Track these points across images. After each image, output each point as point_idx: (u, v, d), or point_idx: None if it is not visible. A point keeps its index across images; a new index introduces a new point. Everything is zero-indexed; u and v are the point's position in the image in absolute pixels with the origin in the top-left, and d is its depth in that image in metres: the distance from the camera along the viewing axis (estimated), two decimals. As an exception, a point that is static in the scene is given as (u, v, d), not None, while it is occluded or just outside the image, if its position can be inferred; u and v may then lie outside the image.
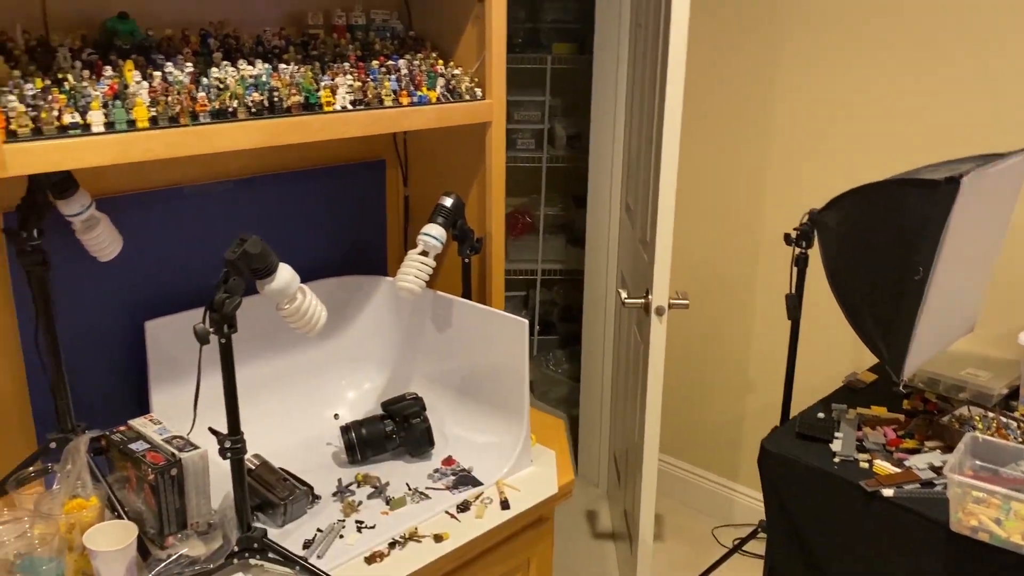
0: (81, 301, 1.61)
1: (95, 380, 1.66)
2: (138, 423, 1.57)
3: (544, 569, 1.75)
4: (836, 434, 1.92)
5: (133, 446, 1.49)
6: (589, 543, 2.96)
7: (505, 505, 1.59)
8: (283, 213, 1.88)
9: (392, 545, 1.47)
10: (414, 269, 1.68)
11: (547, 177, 3.91)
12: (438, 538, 1.49)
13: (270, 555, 1.38)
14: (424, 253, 1.70)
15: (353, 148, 1.99)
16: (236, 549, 1.35)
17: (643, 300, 2.16)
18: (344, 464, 1.75)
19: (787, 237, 2.01)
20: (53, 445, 1.49)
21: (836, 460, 1.84)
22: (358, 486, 1.66)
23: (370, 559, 1.43)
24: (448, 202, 1.73)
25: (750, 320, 2.88)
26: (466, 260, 1.83)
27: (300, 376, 1.93)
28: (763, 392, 2.91)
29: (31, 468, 1.46)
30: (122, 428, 1.56)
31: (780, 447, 1.92)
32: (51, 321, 1.44)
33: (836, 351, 2.69)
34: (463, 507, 1.59)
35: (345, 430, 1.73)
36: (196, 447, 1.48)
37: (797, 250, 2.01)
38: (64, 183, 1.41)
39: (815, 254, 1.97)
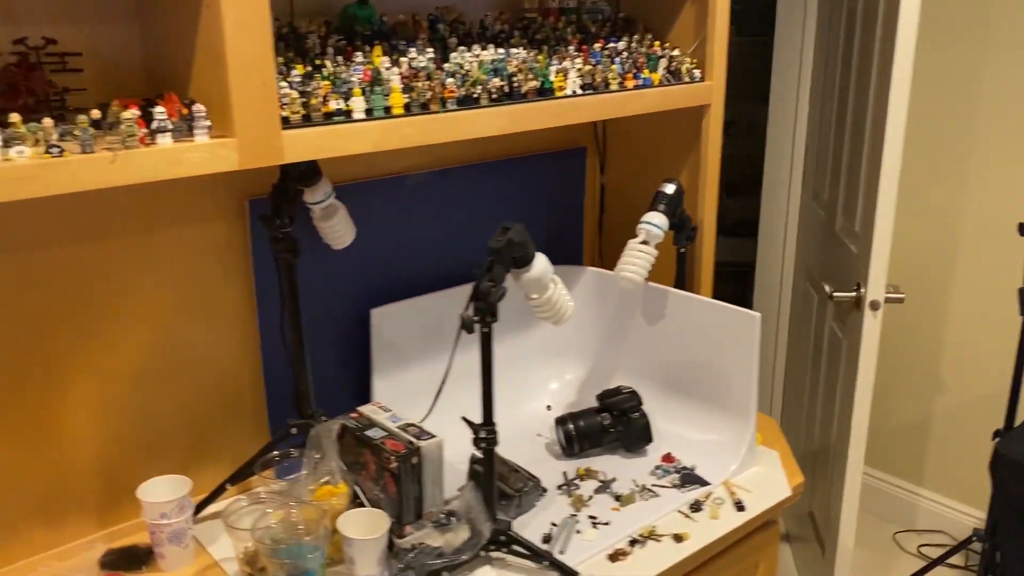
0: (307, 289, 1.62)
1: (317, 367, 1.68)
2: (368, 410, 1.57)
3: (770, 572, 1.68)
4: (1081, 440, 1.77)
5: (370, 433, 1.49)
6: (762, 544, 2.85)
7: (740, 507, 1.52)
8: (487, 203, 1.85)
9: (632, 543, 1.43)
10: (637, 259, 1.63)
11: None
12: (678, 538, 1.44)
13: (514, 547, 1.36)
14: (645, 242, 1.64)
15: (555, 136, 1.95)
16: (498, 540, 1.33)
17: (853, 294, 2.05)
18: (558, 456, 1.72)
19: (1022, 227, 1.86)
20: (294, 431, 1.50)
21: (1086, 469, 1.69)
22: (580, 480, 1.62)
23: (613, 557, 1.39)
24: (670, 189, 1.67)
25: (943, 316, 2.71)
26: (681, 250, 1.77)
27: (504, 366, 1.89)
28: (956, 392, 2.73)
29: (275, 452, 1.48)
30: (354, 415, 1.56)
31: (1017, 452, 1.78)
32: (297, 308, 1.45)
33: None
34: (695, 507, 1.52)
35: (561, 422, 1.70)
36: (432, 435, 1.46)
37: (1035, 240, 1.86)
38: (310, 171, 1.42)
39: None
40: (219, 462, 1.57)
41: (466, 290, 1.80)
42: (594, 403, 1.76)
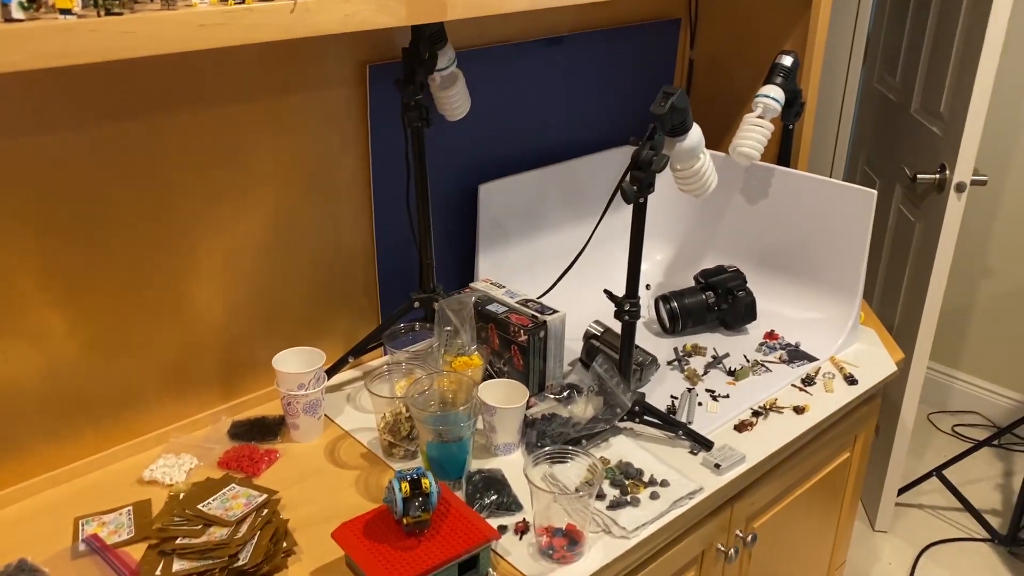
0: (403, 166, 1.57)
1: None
2: (481, 286, 1.56)
3: (866, 445, 1.73)
4: None
5: (491, 308, 1.48)
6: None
7: (851, 380, 1.55)
8: (581, 75, 1.79)
9: (755, 414, 1.45)
10: (755, 133, 1.59)
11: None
12: (799, 410, 1.47)
13: (646, 418, 1.38)
14: (761, 116, 1.61)
15: (649, 6, 1.87)
16: (628, 411, 1.34)
17: (936, 176, 2.04)
18: (658, 334, 1.73)
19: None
20: (417, 305, 1.49)
21: None
22: (689, 356, 1.63)
23: (739, 427, 1.42)
24: (787, 61, 1.62)
25: (994, 202, 2.72)
26: (789, 126, 1.73)
27: (590, 246, 1.88)
28: (1002, 279, 2.78)
29: (401, 325, 1.47)
30: (466, 290, 1.55)
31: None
32: (425, 178, 1.41)
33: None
34: (807, 381, 1.55)
35: (665, 300, 1.70)
36: (554, 310, 1.46)
37: None
38: (439, 33, 1.35)
39: None
40: (332, 338, 1.55)
41: (567, 167, 1.78)
42: (690, 282, 1.76)
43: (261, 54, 1.30)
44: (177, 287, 1.32)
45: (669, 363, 1.60)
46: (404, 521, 1.07)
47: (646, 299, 1.80)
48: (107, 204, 1.21)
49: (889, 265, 2.43)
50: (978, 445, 2.42)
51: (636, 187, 1.19)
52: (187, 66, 1.23)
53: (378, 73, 1.42)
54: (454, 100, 1.45)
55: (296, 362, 1.37)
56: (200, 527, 1.15)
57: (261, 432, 1.39)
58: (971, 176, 1.98)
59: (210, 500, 1.21)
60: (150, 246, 1.27)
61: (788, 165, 1.77)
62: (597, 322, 1.56)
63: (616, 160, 1.86)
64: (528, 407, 1.40)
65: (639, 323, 1.76)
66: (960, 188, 1.98)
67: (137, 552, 1.13)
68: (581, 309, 1.74)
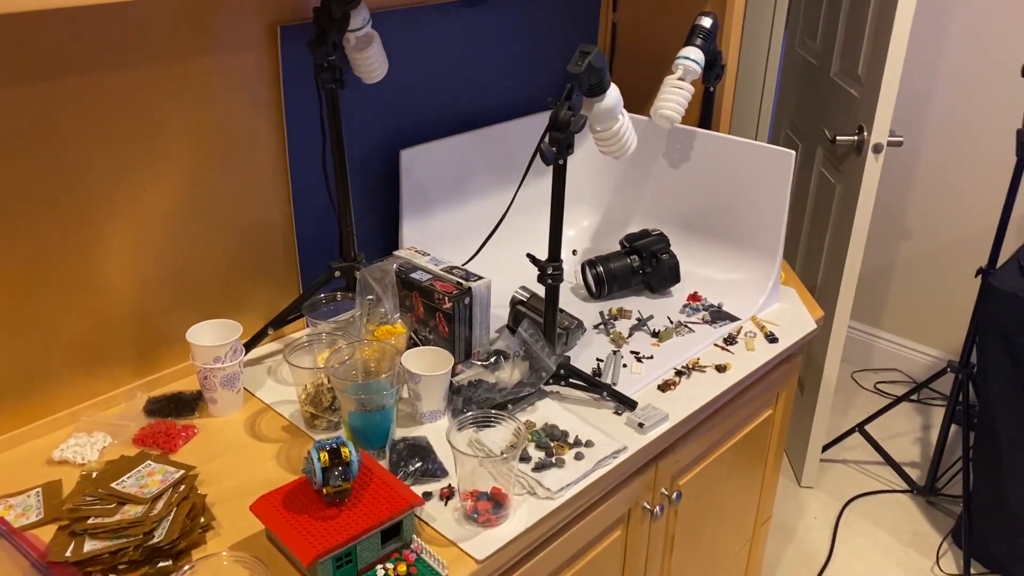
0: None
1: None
2: (405, 254, 1.54)
3: (788, 403, 1.76)
4: (1065, 274, 1.89)
5: (415, 276, 1.46)
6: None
7: (772, 339, 1.58)
8: (504, 38, 1.77)
9: (679, 374, 1.47)
10: (675, 96, 1.59)
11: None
12: (720, 368, 1.49)
13: (572, 381, 1.38)
14: (682, 79, 1.61)
15: (571, -32, 1.85)
16: (554, 374, 1.34)
17: (855, 137, 2.08)
18: (584, 299, 1.73)
19: (1026, 69, 1.91)
20: (337, 274, 1.46)
21: (1071, 299, 1.81)
22: (615, 320, 1.64)
23: (663, 387, 1.43)
24: (707, 22, 1.62)
25: (912, 165, 2.79)
26: (710, 89, 1.74)
27: (516, 213, 1.87)
28: (920, 240, 2.86)
29: (322, 295, 1.44)
30: (389, 258, 1.52)
31: (1009, 284, 1.90)
32: (341, 144, 1.37)
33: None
34: (729, 340, 1.57)
35: (591, 265, 1.70)
36: (479, 277, 1.45)
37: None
38: (351, -7, 1.31)
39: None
40: (252, 310, 1.52)
41: (492, 132, 1.76)
42: (616, 247, 1.77)
43: (165, 13, 1.24)
44: (85, 261, 1.27)
45: (595, 327, 1.61)
46: (324, 491, 1.06)
47: (573, 265, 1.81)
48: (2, 175, 1.15)
49: (811, 227, 2.48)
50: (896, 401, 2.50)
51: (555, 148, 1.18)
52: (85, 26, 1.17)
53: (289, 34, 1.38)
54: (370, 62, 1.42)
55: (212, 335, 1.33)
56: (114, 506, 1.12)
57: (178, 408, 1.35)
58: (887, 137, 2.02)
59: (124, 478, 1.17)
60: (53, 219, 1.22)
61: (710, 128, 1.78)
62: (523, 288, 1.55)
63: (541, 125, 1.85)
64: (455, 374, 1.39)
65: (566, 288, 1.76)
66: (877, 149, 2.03)
67: (47, 534, 1.09)
68: (508, 275, 1.73)
